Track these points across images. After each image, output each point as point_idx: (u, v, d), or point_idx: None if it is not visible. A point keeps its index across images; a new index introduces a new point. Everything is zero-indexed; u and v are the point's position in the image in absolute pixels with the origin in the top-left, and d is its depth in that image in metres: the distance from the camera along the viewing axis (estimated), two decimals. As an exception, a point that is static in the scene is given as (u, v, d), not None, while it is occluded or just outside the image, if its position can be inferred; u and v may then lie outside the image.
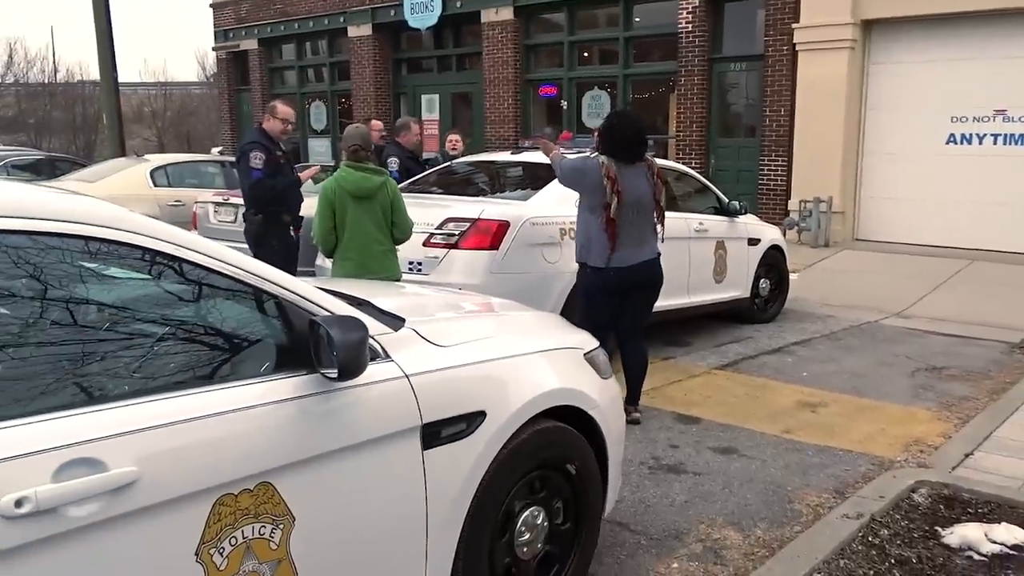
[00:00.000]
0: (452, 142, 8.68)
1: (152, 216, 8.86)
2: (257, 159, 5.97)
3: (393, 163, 7.47)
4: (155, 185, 10.70)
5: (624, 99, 14.04)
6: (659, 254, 4.93)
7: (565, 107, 14.68)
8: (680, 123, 13.15)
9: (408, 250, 5.27)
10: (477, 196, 6.42)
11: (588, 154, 5.02)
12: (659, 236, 4.91)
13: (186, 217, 9.14)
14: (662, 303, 6.49)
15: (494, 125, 15.48)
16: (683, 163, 11.01)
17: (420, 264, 5.49)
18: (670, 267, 6.52)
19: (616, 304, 4.82)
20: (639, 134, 4.79)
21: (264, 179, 6.00)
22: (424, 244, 5.49)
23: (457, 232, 5.46)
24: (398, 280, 4.98)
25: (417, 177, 7.11)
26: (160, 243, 1.95)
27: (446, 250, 5.45)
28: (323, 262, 5.63)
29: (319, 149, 19.04)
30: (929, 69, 11.18)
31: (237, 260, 2.12)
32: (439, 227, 5.52)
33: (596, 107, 14.22)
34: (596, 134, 5.21)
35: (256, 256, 5.69)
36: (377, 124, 8.38)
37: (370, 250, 4.91)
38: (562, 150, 5.31)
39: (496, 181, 6.91)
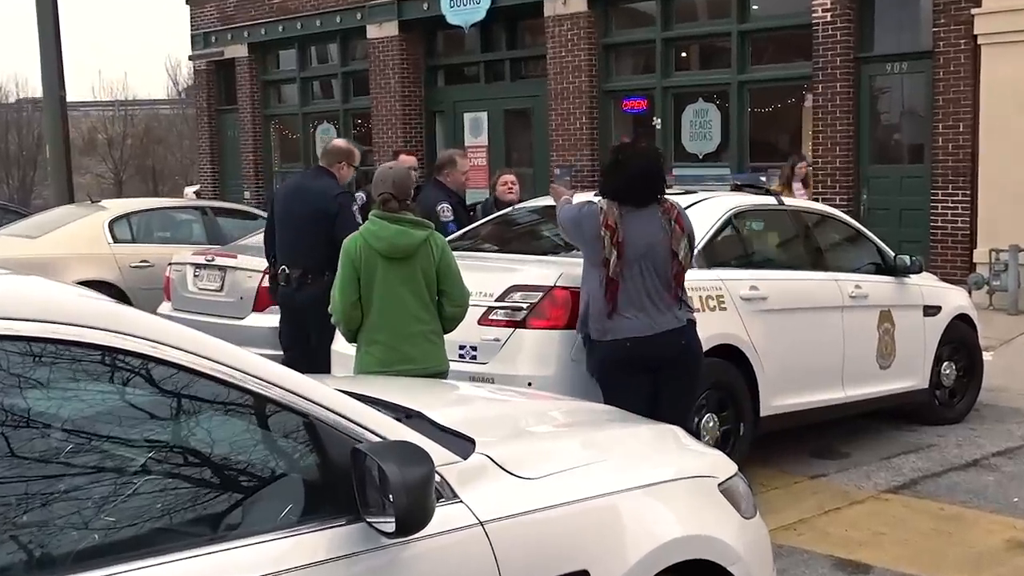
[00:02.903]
0: (507, 184, 8.64)
1: (113, 281, 9.03)
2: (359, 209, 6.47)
3: (446, 211, 7.42)
4: (115, 240, 10.95)
5: (739, 113, 14.08)
6: (690, 321, 5.07)
7: (659, 126, 14.77)
8: (817, 145, 13.12)
9: (458, 330, 5.24)
10: (548, 255, 6.42)
11: (591, 199, 5.28)
12: (683, 298, 5.06)
13: (156, 282, 9.34)
14: (807, 399, 6.45)
15: (562, 151, 15.63)
16: (824, 201, 10.93)
17: (474, 349, 5.47)
18: (817, 347, 6.50)
19: (644, 389, 4.90)
20: (650, 170, 5.05)
21: None
22: (480, 321, 5.45)
23: (526, 305, 5.42)
24: (445, 373, 4.95)
25: (464, 229, 7.14)
26: (137, 341, 1.95)
27: (510, 329, 5.41)
28: (340, 346, 5.63)
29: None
30: None
31: (246, 362, 2.11)
32: (500, 298, 5.50)
33: (702, 126, 14.27)
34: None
35: (310, 328, 6.18)
36: (408, 160, 8.38)
37: (407, 331, 4.89)
38: (568, 195, 5.58)
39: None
